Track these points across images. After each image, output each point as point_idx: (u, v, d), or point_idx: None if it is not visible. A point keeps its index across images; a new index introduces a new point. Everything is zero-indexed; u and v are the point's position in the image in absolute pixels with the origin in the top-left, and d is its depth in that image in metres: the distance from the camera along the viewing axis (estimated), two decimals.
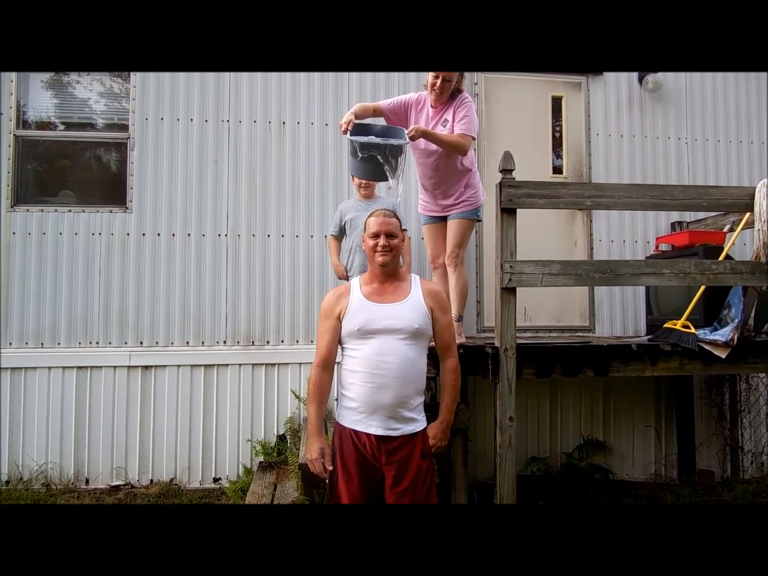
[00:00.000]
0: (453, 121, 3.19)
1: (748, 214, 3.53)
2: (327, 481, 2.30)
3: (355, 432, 2.23)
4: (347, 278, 3.93)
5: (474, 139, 3.24)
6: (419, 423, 2.28)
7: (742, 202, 3.29)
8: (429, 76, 3.18)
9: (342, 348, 2.33)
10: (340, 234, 4.12)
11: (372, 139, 2.91)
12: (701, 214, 4.55)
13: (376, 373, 2.19)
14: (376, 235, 2.30)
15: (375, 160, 2.88)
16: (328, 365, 2.31)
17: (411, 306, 2.27)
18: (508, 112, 4.86)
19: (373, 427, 2.21)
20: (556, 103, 4.94)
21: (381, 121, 3.34)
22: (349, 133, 2.95)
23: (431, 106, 3.26)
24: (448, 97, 3.20)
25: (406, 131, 3.01)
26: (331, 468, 2.24)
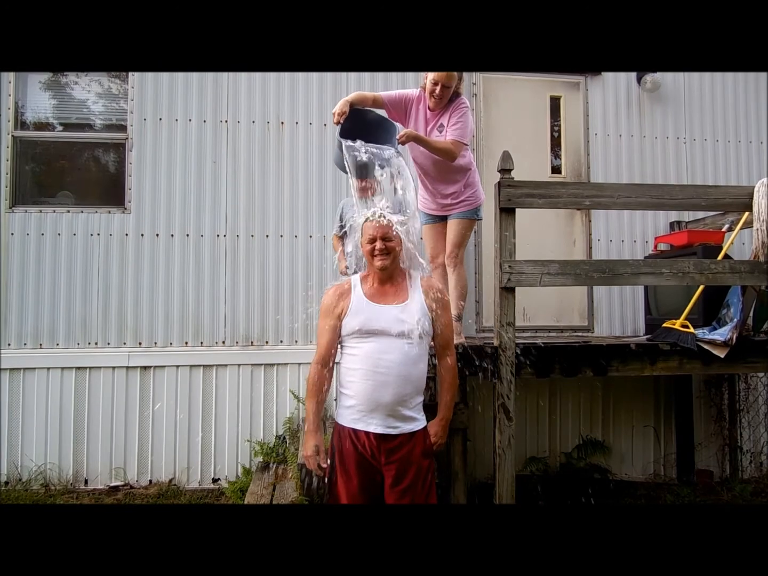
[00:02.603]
0: (447, 126, 3.18)
1: (746, 213, 3.54)
2: (326, 480, 2.30)
3: (354, 431, 2.23)
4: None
5: (466, 145, 3.22)
6: (419, 422, 2.28)
7: (740, 202, 3.30)
8: (428, 83, 3.14)
9: (341, 347, 2.32)
10: (343, 233, 4.12)
11: (362, 147, 2.80)
12: (700, 214, 4.56)
13: (377, 370, 2.18)
14: (372, 240, 2.27)
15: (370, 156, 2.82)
16: (327, 362, 2.30)
17: (412, 306, 2.27)
18: (506, 112, 4.86)
19: (373, 425, 2.20)
20: (555, 103, 4.95)
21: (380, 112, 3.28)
22: (340, 127, 2.86)
23: (429, 109, 3.25)
24: (446, 101, 3.20)
25: (398, 134, 2.95)
26: (326, 465, 2.23)
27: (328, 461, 2.26)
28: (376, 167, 2.78)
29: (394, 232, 2.28)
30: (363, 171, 2.88)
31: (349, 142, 2.76)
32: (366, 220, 2.32)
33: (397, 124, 3.18)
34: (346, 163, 2.77)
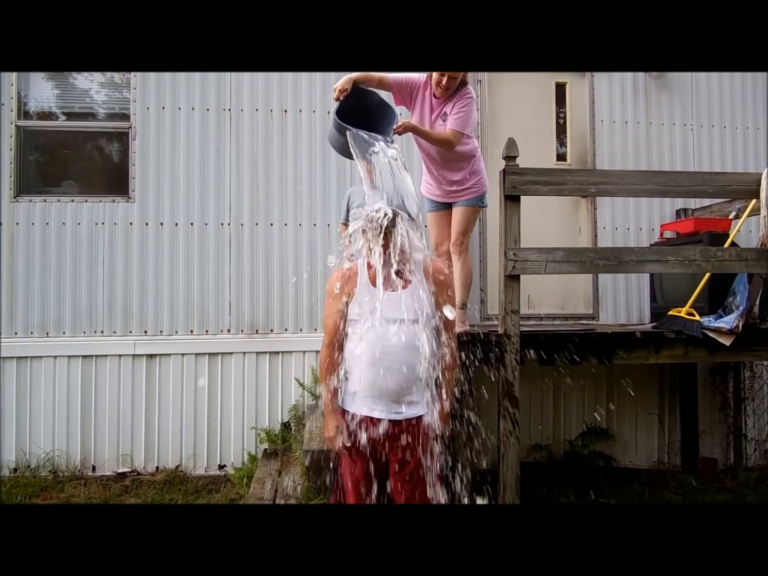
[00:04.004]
0: (450, 114, 3.15)
1: (753, 200, 3.50)
2: (331, 465, 2.32)
3: (359, 416, 2.25)
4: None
5: (467, 136, 3.19)
6: (423, 407, 2.29)
7: (748, 189, 3.27)
8: (435, 73, 3.12)
9: (346, 331, 2.33)
10: (349, 221, 4.11)
11: (357, 132, 2.69)
12: (706, 201, 4.52)
13: (380, 357, 2.19)
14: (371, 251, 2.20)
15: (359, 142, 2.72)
16: (338, 344, 2.31)
17: (415, 291, 2.26)
18: (511, 99, 4.82)
19: (377, 411, 2.22)
20: (560, 89, 4.90)
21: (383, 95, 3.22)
22: (339, 104, 2.79)
23: (434, 96, 3.22)
24: (453, 91, 3.17)
25: (395, 125, 2.89)
26: (348, 444, 2.25)
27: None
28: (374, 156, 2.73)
29: (390, 240, 2.18)
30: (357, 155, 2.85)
31: (349, 128, 2.71)
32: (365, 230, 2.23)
33: (399, 108, 3.13)
34: (352, 145, 2.72)
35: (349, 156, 2.90)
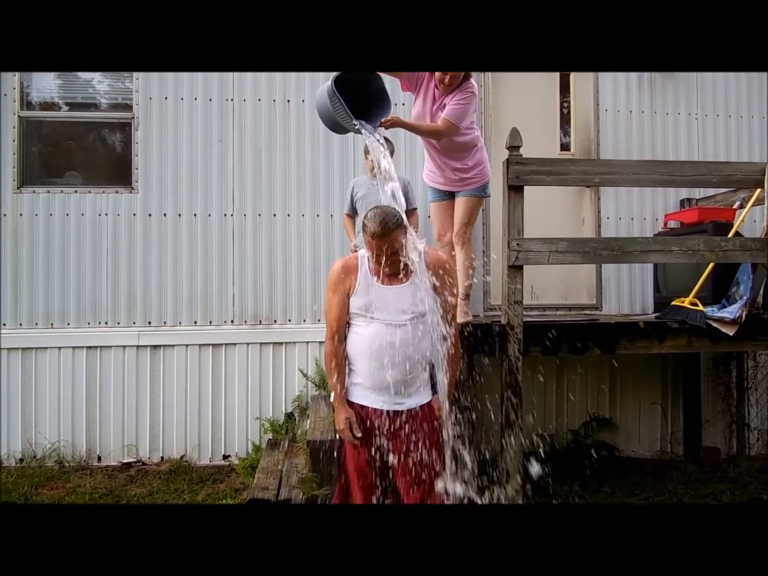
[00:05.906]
0: (448, 105, 3.15)
1: (758, 190, 3.49)
2: (335, 454, 2.34)
3: (362, 407, 2.27)
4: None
5: (466, 127, 3.18)
6: (425, 396, 2.31)
7: (752, 179, 3.25)
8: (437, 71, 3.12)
9: (348, 324, 2.34)
10: (353, 212, 4.11)
11: (345, 108, 2.73)
12: (711, 191, 4.50)
13: (382, 351, 2.20)
14: (377, 255, 2.18)
15: (340, 115, 2.76)
16: (341, 336, 2.32)
17: (417, 284, 2.27)
18: (515, 88, 4.79)
19: (380, 402, 2.24)
20: (564, 79, 4.86)
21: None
22: (341, 73, 2.77)
23: (436, 87, 3.22)
24: (455, 86, 3.16)
25: (385, 118, 2.90)
26: (360, 435, 2.26)
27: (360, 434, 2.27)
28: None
29: (396, 243, 2.18)
30: (338, 128, 2.87)
31: (340, 99, 2.71)
32: (366, 230, 2.20)
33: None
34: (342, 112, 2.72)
35: (329, 124, 2.91)
